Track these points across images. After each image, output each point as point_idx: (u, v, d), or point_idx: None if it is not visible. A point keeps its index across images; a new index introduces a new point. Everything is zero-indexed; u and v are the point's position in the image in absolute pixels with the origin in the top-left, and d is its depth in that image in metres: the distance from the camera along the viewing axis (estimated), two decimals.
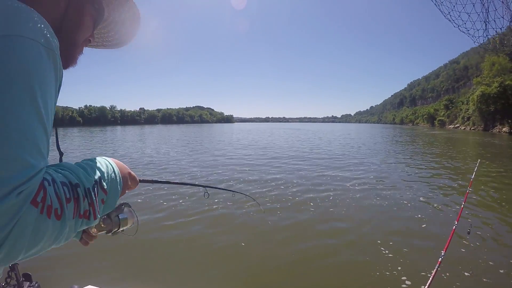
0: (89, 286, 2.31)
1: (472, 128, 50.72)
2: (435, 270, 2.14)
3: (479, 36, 3.68)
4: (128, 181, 0.85)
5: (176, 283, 4.08)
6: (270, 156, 16.07)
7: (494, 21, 3.52)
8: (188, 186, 1.56)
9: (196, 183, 1.40)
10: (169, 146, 22.66)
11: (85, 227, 0.66)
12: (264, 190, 8.36)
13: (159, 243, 5.25)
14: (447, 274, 3.94)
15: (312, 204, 7.17)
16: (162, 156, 16.49)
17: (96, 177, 0.68)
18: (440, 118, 75.33)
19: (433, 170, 12.04)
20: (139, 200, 7.21)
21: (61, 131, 44.12)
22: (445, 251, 2.32)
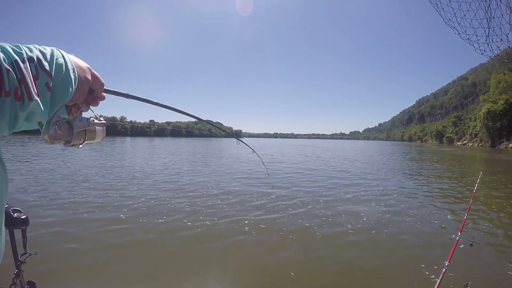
0: None
1: (479, 145, 50.71)
2: (439, 280, 2.17)
3: (481, 44, 3.65)
4: (87, 74, 0.78)
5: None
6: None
7: (500, 28, 3.50)
8: (184, 114, 1.38)
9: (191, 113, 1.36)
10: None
11: (23, 113, 0.59)
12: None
13: (173, 249, 5.19)
14: (451, 285, 3.91)
15: (323, 213, 7.38)
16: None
17: (32, 54, 0.62)
18: (448, 135, 75.34)
19: (438, 184, 12.21)
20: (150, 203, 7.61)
21: None
22: (449, 262, 2.35)
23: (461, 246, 4.81)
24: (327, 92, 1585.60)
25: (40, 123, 0.78)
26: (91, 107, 0.87)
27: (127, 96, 1.04)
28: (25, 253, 1.65)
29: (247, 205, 7.92)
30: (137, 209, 7.39)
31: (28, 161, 16.81)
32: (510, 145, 38.71)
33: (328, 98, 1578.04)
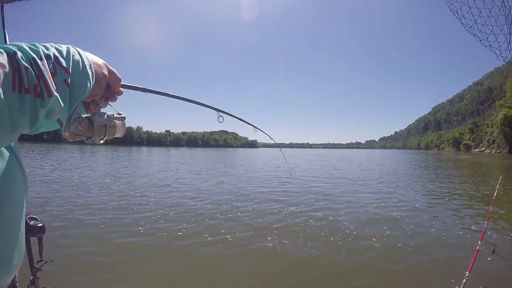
0: None
1: (497, 151, 50.02)
2: None
3: (503, 50, 3.57)
4: (103, 70, 0.80)
5: None
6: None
7: None
8: (201, 106, 1.41)
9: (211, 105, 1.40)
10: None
11: (43, 109, 0.60)
12: None
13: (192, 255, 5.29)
14: None
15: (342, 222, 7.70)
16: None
17: (49, 52, 0.63)
18: (465, 142, 74.32)
19: (457, 192, 12.03)
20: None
21: (88, 148, 45.26)
22: (469, 272, 2.29)
23: (483, 255, 4.74)
24: (342, 101, 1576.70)
25: (60, 122, 0.84)
26: (109, 102, 0.90)
27: (144, 90, 1.08)
28: (41, 261, 1.71)
29: (267, 216, 7.91)
30: (156, 220, 7.42)
31: (44, 169, 17.13)
32: None
33: (343, 107, 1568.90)
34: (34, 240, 1.43)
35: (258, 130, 1.84)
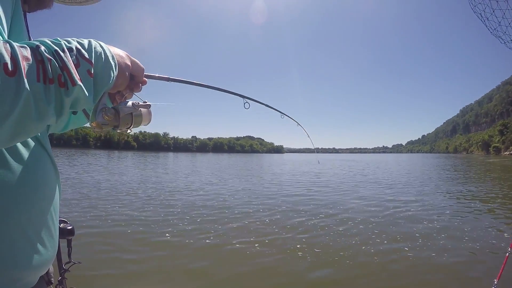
0: None
1: None
2: None
3: None
4: (126, 61, 0.81)
5: None
6: None
7: None
8: (226, 92, 1.36)
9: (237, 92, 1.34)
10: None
11: (68, 99, 0.61)
12: None
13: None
14: None
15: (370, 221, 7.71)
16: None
17: (71, 45, 0.65)
18: (495, 144, 72.08)
19: (487, 197, 11.80)
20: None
21: (116, 153, 44.18)
22: (498, 280, 2.24)
23: None
24: (368, 105, 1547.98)
25: (86, 113, 0.90)
26: (134, 93, 0.91)
27: (168, 79, 1.07)
28: (69, 262, 1.72)
29: (296, 223, 7.82)
30: (182, 223, 7.49)
31: (71, 173, 17.71)
32: None
33: (369, 111, 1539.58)
34: (63, 241, 1.42)
35: (285, 116, 1.78)
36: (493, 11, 3.19)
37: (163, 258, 5.40)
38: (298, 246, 5.88)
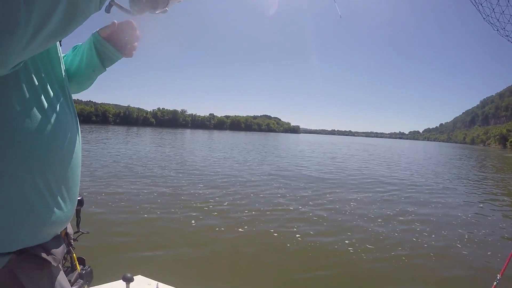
0: (140, 275, 2.34)
1: None
2: None
3: None
4: None
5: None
6: None
7: None
8: None
9: None
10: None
11: None
12: None
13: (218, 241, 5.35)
14: None
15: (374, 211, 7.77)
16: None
17: None
18: None
19: (497, 193, 11.98)
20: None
21: (135, 129, 45.66)
22: (501, 275, 2.24)
23: None
24: (386, 89, 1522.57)
25: (122, 8, 0.83)
26: None
27: None
28: (77, 231, 1.81)
29: (316, 205, 8.11)
30: (190, 200, 7.66)
31: (89, 147, 18.01)
32: None
33: (387, 95, 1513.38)
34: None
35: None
36: None
37: (170, 230, 5.66)
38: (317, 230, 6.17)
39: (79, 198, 1.39)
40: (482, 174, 19.21)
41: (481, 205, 9.44)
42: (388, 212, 7.84)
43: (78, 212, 1.71)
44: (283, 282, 4.30)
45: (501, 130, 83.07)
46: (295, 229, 6.22)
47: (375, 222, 6.96)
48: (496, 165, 27.11)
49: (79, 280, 1.77)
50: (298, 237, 5.86)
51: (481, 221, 7.43)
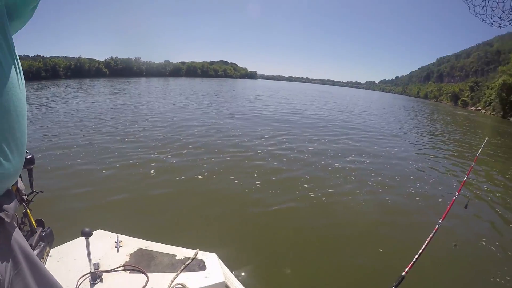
0: (99, 230, 2.33)
1: (492, 113, 50.39)
2: (431, 236, 2.21)
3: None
4: None
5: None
6: None
7: None
8: None
9: None
10: None
11: None
12: None
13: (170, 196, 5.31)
14: (441, 241, 4.21)
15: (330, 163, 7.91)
16: None
17: None
18: (463, 98, 73.90)
19: (445, 145, 12.91)
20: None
21: (87, 81, 44.80)
22: (443, 219, 2.37)
23: (457, 207, 5.17)
24: (344, 38, 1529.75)
25: None
26: None
27: None
28: (32, 192, 1.73)
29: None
30: (148, 150, 7.65)
31: (40, 104, 17.05)
32: None
33: (345, 44, 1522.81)
34: (23, 172, 1.44)
35: None
36: None
37: (127, 183, 5.59)
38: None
39: (29, 156, 1.41)
40: (434, 126, 20.68)
41: (430, 156, 10.15)
42: (345, 157, 8.50)
43: (30, 171, 1.64)
44: (244, 216, 4.83)
45: (454, 88, 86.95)
46: (255, 170, 6.74)
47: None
48: (445, 120, 29.03)
49: (40, 242, 1.74)
50: (256, 175, 6.38)
51: (428, 173, 8.01)
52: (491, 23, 3.51)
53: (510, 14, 3.33)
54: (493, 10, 3.35)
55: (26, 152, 1.30)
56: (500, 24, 3.43)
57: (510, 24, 3.39)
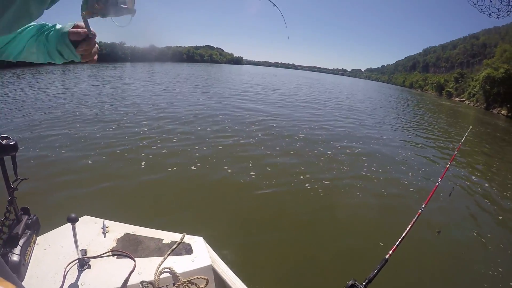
0: (86, 216, 2.31)
1: (475, 105, 51.46)
2: (413, 220, 2.23)
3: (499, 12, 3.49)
4: None
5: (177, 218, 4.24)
6: None
7: None
8: None
9: None
10: None
11: None
12: None
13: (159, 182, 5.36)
14: (424, 227, 4.48)
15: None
16: None
17: None
18: (448, 89, 74.92)
19: (429, 133, 13.21)
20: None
21: (71, 67, 44.12)
22: (426, 205, 2.42)
23: (441, 194, 5.61)
24: (331, 24, 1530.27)
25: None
26: None
27: None
28: (16, 180, 1.69)
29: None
30: (135, 137, 7.64)
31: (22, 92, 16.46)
32: (502, 111, 39.78)
33: (331, 31, 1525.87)
34: (7, 159, 1.45)
35: None
36: None
37: (120, 171, 5.57)
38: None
39: (12, 142, 1.39)
40: (419, 115, 21.25)
41: (415, 143, 10.49)
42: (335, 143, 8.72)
43: (14, 158, 1.60)
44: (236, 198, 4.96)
45: (439, 79, 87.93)
46: (240, 155, 6.97)
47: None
48: (430, 109, 29.92)
49: (26, 230, 1.74)
50: (242, 161, 6.52)
51: (413, 159, 8.29)
52: (490, 14, 3.54)
53: (508, 5, 3.36)
54: (491, 1, 3.39)
55: (10, 138, 1.39)
56: (499, 15, 3.47)
57: (508, 15, 3.44)
